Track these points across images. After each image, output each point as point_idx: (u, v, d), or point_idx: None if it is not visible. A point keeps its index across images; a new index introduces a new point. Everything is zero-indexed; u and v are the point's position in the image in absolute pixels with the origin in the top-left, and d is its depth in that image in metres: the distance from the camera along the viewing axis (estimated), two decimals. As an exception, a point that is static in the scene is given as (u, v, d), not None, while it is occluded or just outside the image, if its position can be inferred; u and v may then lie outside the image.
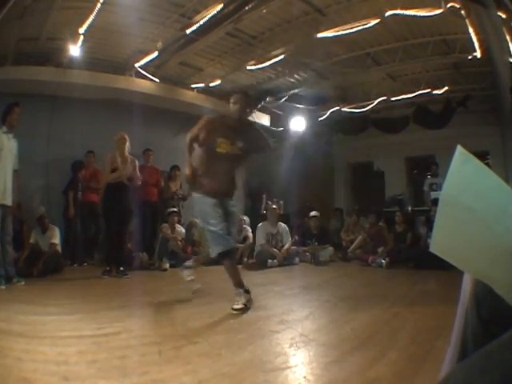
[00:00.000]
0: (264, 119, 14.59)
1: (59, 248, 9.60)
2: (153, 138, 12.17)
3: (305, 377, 2.98)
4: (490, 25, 8.08)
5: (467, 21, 8.45)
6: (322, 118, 14.13)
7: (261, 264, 10.38)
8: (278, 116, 14.81)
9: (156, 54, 10.57)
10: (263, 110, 14.34)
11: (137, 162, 9.15)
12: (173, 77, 12.48)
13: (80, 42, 9.81)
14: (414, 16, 8.44)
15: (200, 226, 7.98)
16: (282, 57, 10.65)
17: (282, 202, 12.90)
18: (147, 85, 12.17)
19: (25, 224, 9.67)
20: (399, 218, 11.25)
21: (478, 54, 9.76)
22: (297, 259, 10.98)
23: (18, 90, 10.09)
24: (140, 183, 9.30)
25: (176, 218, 11.16)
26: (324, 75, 12.27)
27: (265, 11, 8.87)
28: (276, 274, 9.65)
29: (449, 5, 7.99)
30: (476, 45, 9.41)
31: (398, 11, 8.39)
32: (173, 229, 10.92)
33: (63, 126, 11.12)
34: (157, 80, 12.09)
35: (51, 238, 9.45)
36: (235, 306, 5.19)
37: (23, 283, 7.58)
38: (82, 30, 9.31)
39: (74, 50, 10.08)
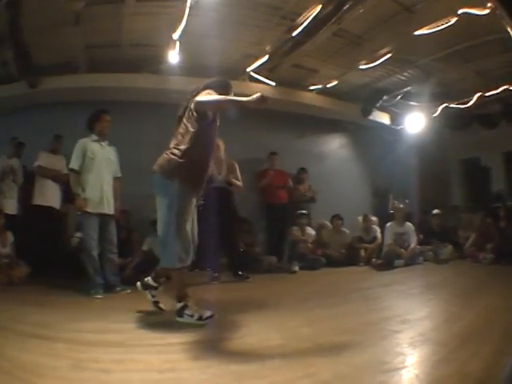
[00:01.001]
0: (384, 118, 14.62)
1: None
2: (276, 142, 12.26)
3: (417, 375, 3.04)
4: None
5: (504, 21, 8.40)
6: (435, 115, 13.97)
7: (388, 264, 10.41)
8: (397, 114, 14.72)
9: (266, 57, 10.59)
10: (382, 109, 14.30)
11: (236, 165, 9.15)
12: (288, 79, 12.39)
13: (177, 48, 9.88)
14: (475, 14, 8.37)
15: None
16: (388, 55, 10.61)
17: (407, 201, 12.86)
18: (263, 88, 11.88)
19: (134, 232, 9.76)
20: (502, 213, 11.22)
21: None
22: (421, 258, 10.97)
23: (114, 97, 10.52)
24: (242, 186, 9.15)
25: (306, 220, 11.29)
26: (429, 72, 12.12)
27: (361, 11, 8.79)
28: (401, 273, 9.72)
29: (488, 4, 8.00)
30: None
31: (467, 9, 8.36)
32: (303, 231, 11.08)
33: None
34: (273, 83, 12.07)
35: None
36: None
37: (129, 291, 7.44)
38: (176, 36, 9.34)
39: (173, 56, 10.14)
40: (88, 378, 3.17)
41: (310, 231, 11.35)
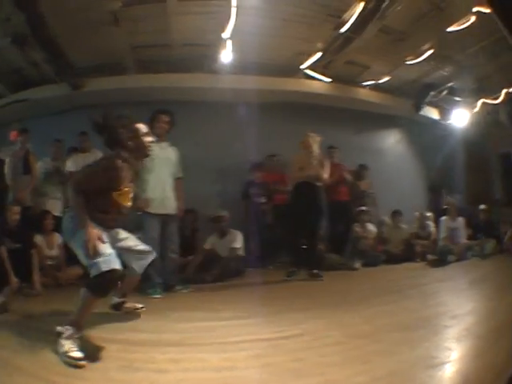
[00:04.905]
0: (434, 113, 14.96)
1: (241, 252, 9.94)
2: (334, 138, 12.35)
3: (457, 369, 3.31)
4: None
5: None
6: (475, 110, 14.17)
7: (442, 260, 10.76)
8: (445, 109, 14.95)
9: (319, 54, 10.93)
10: (431, 105, 14.59)
11: (326, 162, 9.20)
12: (342, 76, 12.76)
13: (228, 47, 10.23)
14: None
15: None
16: (430, 51, 10.91)
17: (458, 196, 13.25)
18: (319, 85, 12.61)
19: (198, 231, 10.28)
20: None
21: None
22: (469, 253, 11.33)
23: (168, 97, 10.78)
24: (328, 183, 9.27)
25: (366, 217, 11.73)
26: (464, 68, 12.34)
27: (399, 8, 9.19)
28: (453, 268, 10.18)
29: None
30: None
31: (479, 8, 8.74)
32: (364, 228, 11.56)
33: (234, 131, 11.47)
34: (328, 80, 12.45)
35: (232, 242, 9.82)
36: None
37: (189, 290, 7.81)
38: (225, 35, 9.72)
39: (225, 54, 10.50)
40: (140, 379, 3.35)
41: (371, 228, 11.77)
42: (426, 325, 4.69)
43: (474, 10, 8.85)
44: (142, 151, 5.09)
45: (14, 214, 8.22)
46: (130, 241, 5.38)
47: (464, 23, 9.40)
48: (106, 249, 4.41)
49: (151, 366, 3.61)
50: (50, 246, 8.94)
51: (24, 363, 3.67)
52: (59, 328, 4.13)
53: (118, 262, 4.39)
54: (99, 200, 4.65)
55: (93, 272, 4.24)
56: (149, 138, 5.19)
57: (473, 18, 9.12)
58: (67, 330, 4.08)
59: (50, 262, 8.81)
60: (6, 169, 9.63)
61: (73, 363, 3.70)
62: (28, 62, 10.83)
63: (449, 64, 12.40)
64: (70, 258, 8.31)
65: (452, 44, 10.59)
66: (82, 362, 3.70)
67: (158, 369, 3.55)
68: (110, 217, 4.84)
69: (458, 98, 14.04)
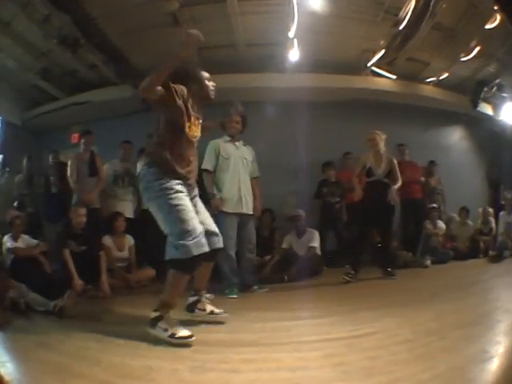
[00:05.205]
0: (488, 109, 14.92)
1: (319, 251, 9.89)
2: (402, 135, 12.55)
3: (501, 364, 3.40)
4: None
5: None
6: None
7: (500, 255, 11.08)
8: (497, 105, 14.88)
9: (383, 51, 11.13)
10: (485, 101, 14.57)
11: (395, 161, 9.20)
12: (406, 73, 12.88)
13: (294, 46, 10.47)
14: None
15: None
16: (478, 48, 11.08)
17: None
18: (385, 82, 12.77)
19: (276, 230, 10.42)
20: None
21: None
22: (524, 248, 11.39)
23: (236, 98, 10.01)
24: (400, 183, 9.07)
25: (436, 214, 11.82)
26: (504, 64, 12.56)
27: (444, 5, 9.43)
28: (507, 264, 10.44)
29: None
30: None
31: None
32: (433, 224, 11.65)
33: (303, 130, 11.37)
34: (393, 77, 12.62)
35: (310, 241, 9.76)
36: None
37: (266, 290, 7.92)
38: (291, 34, 9.95)
39: (292, 53, 10.73)
40: (211, 380, 3.35)
41: (441, 224, 11.84)
42: (484, 320, 4.84)
43: (495, 8, 8.89)
44: (204, 93, 5.25)
45: (80, 216, 8.27)
46: (207, 217, 5.34)
47: (494, 21, 9.68)
48: (197, 224, 4.62)
49: (224, 366, 3.64)
50: (120, 247, 9.07)
51: (81, 367, 3.73)
52: (154, 313, 4.41)
53: (206, 243, 4.61)
54: (172, 130, 4.89)
55: (181, 254, 4.43)
56: (211, 83, 5.31)
57: (498, 16, 9.32)
58: (164, 313, 4.39)
59: (119, 264, 8.94)
60: (69, 171, 9.79)
61: (184, 342, 4.10)
62: (83, 64, 11.23)
63: (494, 60, 12.57)
64: (141, 259, 8.98)
65: (492, 41, 10.79)
66: (193, 339, 4.11)
67: (230, 369, 3.56)
68: (183, 152, 4.96)
69: (505, 94, 14.12)
